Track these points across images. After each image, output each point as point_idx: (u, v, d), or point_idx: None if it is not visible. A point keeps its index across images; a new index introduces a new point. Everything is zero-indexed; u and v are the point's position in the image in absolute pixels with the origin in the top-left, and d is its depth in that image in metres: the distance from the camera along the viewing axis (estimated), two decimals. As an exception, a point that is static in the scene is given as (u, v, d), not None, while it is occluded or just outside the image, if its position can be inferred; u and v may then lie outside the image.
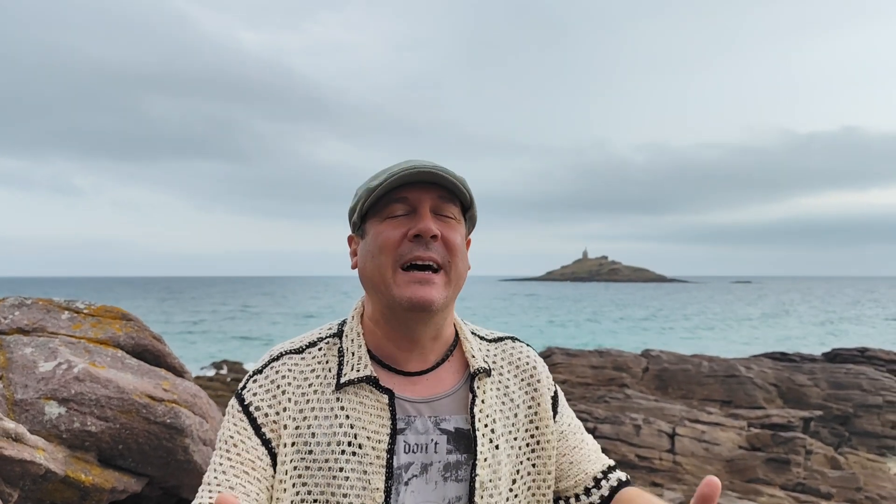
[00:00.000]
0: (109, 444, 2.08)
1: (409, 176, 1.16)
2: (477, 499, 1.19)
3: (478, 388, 1.24)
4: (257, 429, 1.20)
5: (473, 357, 1.26)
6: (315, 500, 1.16)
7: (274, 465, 1.20)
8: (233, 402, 1.26)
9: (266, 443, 1.20)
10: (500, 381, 1.28)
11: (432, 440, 1.20)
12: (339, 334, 1.28)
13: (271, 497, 1.19)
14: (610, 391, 18.05)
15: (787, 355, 23.25)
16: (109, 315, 2.42)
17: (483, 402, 1.23)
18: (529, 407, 1.29)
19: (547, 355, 21.44)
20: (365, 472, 1.16)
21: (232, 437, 1.21)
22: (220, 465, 1.18)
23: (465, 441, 1.21)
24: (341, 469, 1.16)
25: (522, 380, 1.31)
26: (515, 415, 1.27)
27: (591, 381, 19.45)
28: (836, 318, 73.45)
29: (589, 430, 13.80)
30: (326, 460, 1.17)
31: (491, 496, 1.20)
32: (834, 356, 22.89)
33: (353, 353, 1.22)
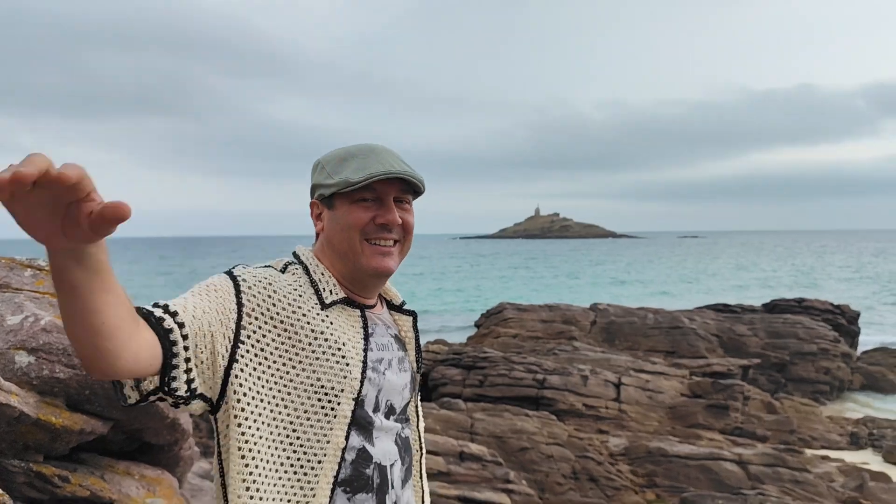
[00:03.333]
0: (77, 390, 2.22)
1: (386, 176, 1.48)
2: (415, 383, 1.67)
3: (398, 312, 1.70)
4: (238, 294, 1.40)
5: (396, 294, 1.72)
6: (297, 387, 1.41)
7: (237, 334, 1.37)
8: (221, 273, 1.46)
9: (240, 307, 1.39)
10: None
11: (389, 342, 1.58)
12: (303, 268, 1.56)
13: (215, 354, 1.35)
14: (559, 344, 18.59)
15: (728, 306, 24.15)
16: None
17: (401, 319, 1.70)
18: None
19: (498, 310, 21.89)
20: (347, 365, 1.45)
21: (213, 284, 1.41)
22: (193, 294, 1.38)
23: (399, 342, 1.64)
24: (328, 362, 1.44)
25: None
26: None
27: (541, 334, 19.97)
28: (780, 270, 76.20)
29: (538, 382, 14.29)
30: (311, 363, 1.42)
31: (416, 376, 1.69)
32: (773, 307, 23.88)
33: (326, 282, 1.52)
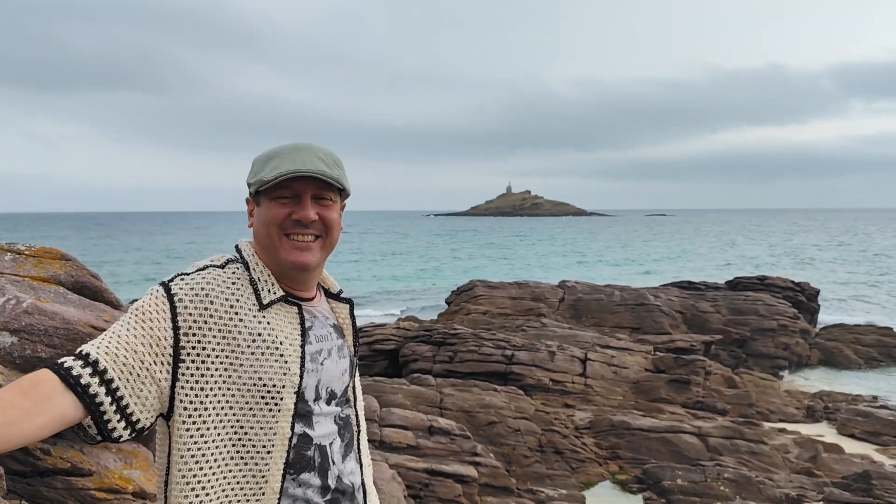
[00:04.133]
0: (58, 369, 2.34)
1: (293, 175, 1.55)
2: (353, 367, 1.78)
3: (335, 301, 1.80)
4: (174, 318, 1.46)
5: (334, 283, 1.82)
6: (240, 388, 1.50)
7: (175, 356, 1.46)
8: (157, 287, 1.51)
9: (176, 331, 1.46)
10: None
11: (328, 332, 1.69)
12: (243, 264, 1.63)
13: (159, 380, 1.46)
14: (528, 320, 18.89)
15: (693, 284, 24.66)
16: (49, 256, 2.62)
17: (339, 307, 1.79)
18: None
19: (469, 288, 22.12)
20: (286, 362, 1.54)
21: (148, 312, 1.47)
22: (126, 327, 1.45)
23: (338, 331, 1.74)
24: (268, 361, 1.53)
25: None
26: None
27: (510, 311, 20.25)
28: (744, 248, 77.62)
29: (507, 358, 14.55)
30: (252, 365, 1.52)
31: (354, 360, 1.79)
32: (736, 284, 24.45)
33: (265, 281, 1.60)
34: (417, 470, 7.90)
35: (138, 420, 1.44)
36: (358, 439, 1.81)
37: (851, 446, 12.54)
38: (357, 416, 1.82)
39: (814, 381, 18.20)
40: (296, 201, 1.59)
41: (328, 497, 1.61)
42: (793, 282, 23.91)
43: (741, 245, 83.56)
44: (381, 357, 15.73)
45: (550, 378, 14.27)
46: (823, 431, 13.58)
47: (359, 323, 22.82)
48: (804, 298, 23.04)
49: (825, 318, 25.01)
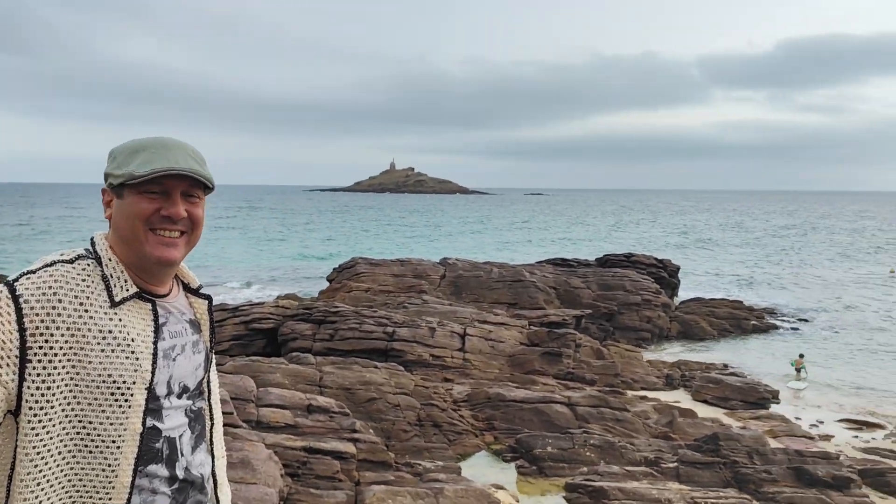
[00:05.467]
0: None
1: (168, 173, 1.56)
2: (208, 362, 1.81)
3: (194, 296, 1.81)
4: (20, 319, 1.46)
5: (193, 278, 1.83)
6: (88, 385, 1.51)
7: (22, 357, 1.46)
8: (2, 288, 1.50)
9: (22, 332, 1.46)
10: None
11: (183, 328, 1.70)
12: (95, 259, 1.62)
13: (14, 386, 1.47)
14: (410, 297, 19.11)
15: (566, 261, 25.77)
16: None
17: (197, 303, 1.80)
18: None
19: (351, 265, 22.06)
20: (137, 359, 1.56)
21: None
22: None
23: (195, 326, 1.75)
24: (118, 358, 1.54)
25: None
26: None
27: (392, 288, 20.39)
28: (615, 227, 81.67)
29: (388, 335, 14.68)
30: (101, 362, 1.52)
31: (210, 355, 1.83)
32: (605, 261, 25.78)
33: (118, 277, 1.60)
34: (295, 448, 7.89)
35: None
36: (212, 431, 1.84)
37: (704, 411, 13.64)
38: (211, 408, 1.85)
39: (673, 351, 19.58)
40: (164, 197, 1.60)
41: (175, 487, 1.64)
42: (656, 259, 25.50)
43: (625, 226, 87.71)
44: (258, 336, 15.44)
45: (430, 353, 14.55)
46: (680, 398, 14.68)
47: (237, 301, 22.12)
48: (666, 275, 24.64)
49: (686, 293, 26.86)
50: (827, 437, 12.63)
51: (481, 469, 10.37)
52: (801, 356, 17.25)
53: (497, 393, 12.28)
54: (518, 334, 16.00)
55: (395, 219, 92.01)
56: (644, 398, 14.03)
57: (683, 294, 26.01)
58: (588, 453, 10.40)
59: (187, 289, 1.80)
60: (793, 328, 22.81)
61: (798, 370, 16.76)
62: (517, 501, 9.19)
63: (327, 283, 22.47)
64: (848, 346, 20.49)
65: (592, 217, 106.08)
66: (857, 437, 12.85)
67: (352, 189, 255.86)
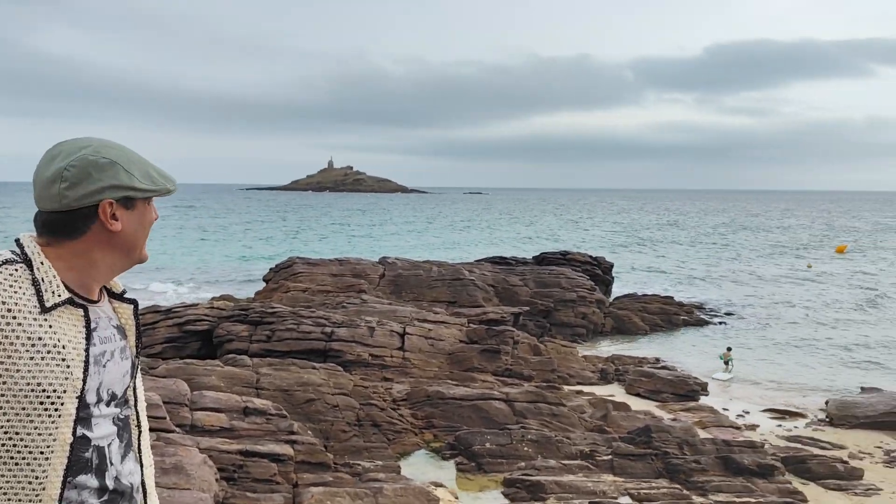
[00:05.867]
0: None
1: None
2: (135, 368, 1.79)
3: (118, 301, 1.79)
4: None
5: (117, 283, 1.81)
6: (16, 394, 1.48)
7: None
8: None
9: None
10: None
11: (112, 334, 1.69)
12: (24, 262, 1.57)
13: None
14: (349, 297, 19.00)
15: (504, 259, 26.07)
16: None
17: (122, 308, 1.80)
18: None
19: (288, 265, 21.78)
20: (68, 367, 1.53)
21: None
22: None
23: (121, 332, 1.75)
24: (48, 366, 1.51)
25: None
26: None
27: (330, 288, 20.23)
28: (553, 225, 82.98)
29: (326, 335, 14.57)
30: (30, 370, 1.49)
31: (136, 361, 1.81)
32: (542, 259, 26.18)
33: (49, 282, 1.56)
34: (231, 452, 7.77)
35: None
36: (139, 440, 1.83)
37: (637, 404, 14.03)
38: (138, 416, 1.84)
39: (607, 346, 20.05)
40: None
41: (105, 498, 1.62)
42: (591, 256, 26.04)
43: (566, 225, 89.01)
44: (193, 338, 15.10)
45: (370, 353, 14.51)
46: (614, 391, 15.06)
47: (171, 303, 21.49)
48: (600, 272, 25.19)
49: (622, 290, 27.52)
50: (753, 427, 13.16)
51: (420, 467, 10.42)
52: (729, 349, 17.92)
53: (436, 391, 12.34)
54: (457, 332, 16.11)
55: (337, 218, 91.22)
56: (580, 393, 14.33)
57: (618, 290, 26.66)
58: (526, 448, 10.57)
59: (111, 294, 1.78)
60: (721, 322, 23.66)
61: (726, 362, 17.40)
62: (456, 498, 9.27)
63: (264, 283, 22.12)
64: (771, 339, 21.39)
65: (532, 216, 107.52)
66: (780, 426, 13.44)
67: (289, 188, 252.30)
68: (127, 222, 1.63)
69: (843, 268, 40.34)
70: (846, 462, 11.10)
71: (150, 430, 8.59)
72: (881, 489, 10.35)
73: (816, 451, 11.70)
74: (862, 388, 15.23)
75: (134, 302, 1.81)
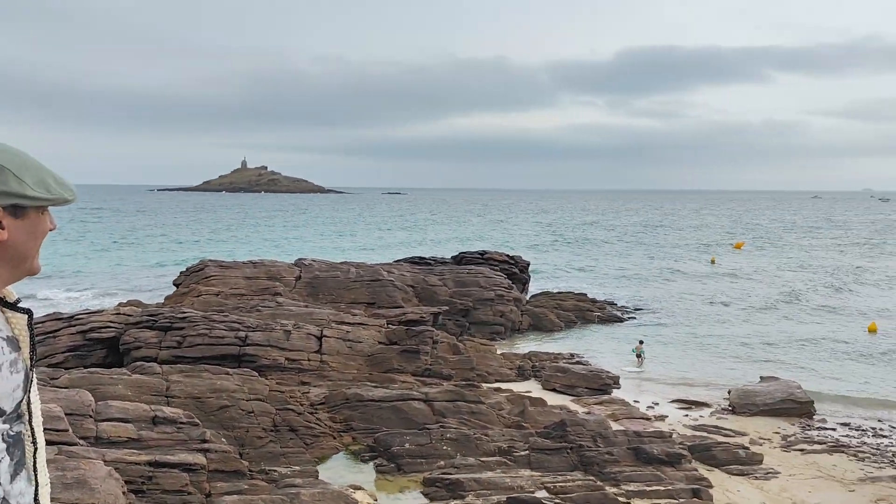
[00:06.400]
0: None
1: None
2: (28, 381, 1.70)
3: (11, 311, 1.68)
4: None
5: (11, 292, 1.72)
6: None
7: None
8: None
9: None
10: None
11: (1, 346, 1.59)
12: None
13: None
14: (263, 300, 18.59)
15: (423, 259, 26.15)
16: None
17: (15, 318, 1.69)
18: None
19: (199, 268, 21.12)
20: None
21: None
22: None
23: (12, 343, 1.66)
24: None
25: None
26: None
27: (245, 291, 19.74)
28: (478, 225, 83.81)
29: (240, 339, 14.22)
30: None
31: (31, 374, 1.71)
32: (461, 259, 26.40)
33: None
34: (139, 463, 7.47)
35: None
36: (35, 457, 1.74)
37: (553, 399, 14.35)
38: (33, 432, 1.75)
39: (525, 344, 20.41)
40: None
41: None
42: (508, 255, 26.45)
43: (488, 225, 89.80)
44: (98, 346, 14.45)
45: (286, 357, 14.26)
46: (531, 388, 15.35)
47: (75, 309, 20.41)
48: (518, 270, 25.61)
49: (544, 286, 28.04)
50: (662, 418, 13.69)
51: (339, 471, 10.32)
52: (641, 342, 18.56)
53: (355, 393, 12.25)
54: (376, 333, 16.03)
55: (258, 220, 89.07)
56: (498, 390, 14.52)
57: (535, 288, 27.18)
58: (445, 447, 10.62)
59: (4, 304, 1.69)
60: (630, 317, 24.48)
61: (638, 355, 18.02)
62: (375, 500, 9.23)
63: (174, 288, 21.39)
64: (679, 333, 22.30)
65: (455, 214, 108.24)
66: (687, 415, 14.02)
67: (201, 188, 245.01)
68: (15, 232, 1.54)
69: (747, 264, 42.41)
70: (747, 448, 11.70)
71: (51, 443, 8.16)
72: (779, 472, 10.96)
73: (720, 438, 12.27)
74: (761, 378, 16.08)
75: (28, 312, 1.71)
